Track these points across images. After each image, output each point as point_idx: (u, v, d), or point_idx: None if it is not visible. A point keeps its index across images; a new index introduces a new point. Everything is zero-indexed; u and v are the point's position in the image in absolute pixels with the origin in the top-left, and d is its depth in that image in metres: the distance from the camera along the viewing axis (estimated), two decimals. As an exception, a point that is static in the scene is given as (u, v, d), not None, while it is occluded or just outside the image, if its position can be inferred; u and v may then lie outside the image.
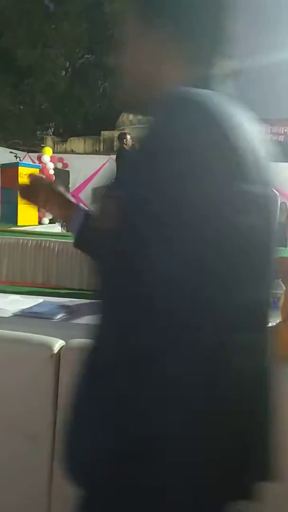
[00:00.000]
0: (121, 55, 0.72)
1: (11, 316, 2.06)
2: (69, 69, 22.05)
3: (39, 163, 9.95)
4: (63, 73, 21.65)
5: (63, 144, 16.20)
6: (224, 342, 0.59)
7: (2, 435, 1.36)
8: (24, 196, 1.11)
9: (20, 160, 11.97)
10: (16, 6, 19.16)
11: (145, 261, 0.57)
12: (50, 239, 5.97)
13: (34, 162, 11.28)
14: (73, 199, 1.10)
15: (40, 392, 1.34)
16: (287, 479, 1.23)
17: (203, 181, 0.56)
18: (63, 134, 19.25)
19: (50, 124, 23.32)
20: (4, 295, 2.43)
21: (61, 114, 21.65)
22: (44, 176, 0.80)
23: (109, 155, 12.27)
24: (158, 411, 0.57)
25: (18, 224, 8.40)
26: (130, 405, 0.59)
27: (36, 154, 11.61)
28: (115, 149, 9.43)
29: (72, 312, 2.14)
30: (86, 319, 2.07)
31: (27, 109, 21.16)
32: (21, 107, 21.41)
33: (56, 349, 1.33)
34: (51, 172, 9.79)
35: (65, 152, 14.89)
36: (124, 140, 7.09)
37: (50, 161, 9.88)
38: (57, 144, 16.02)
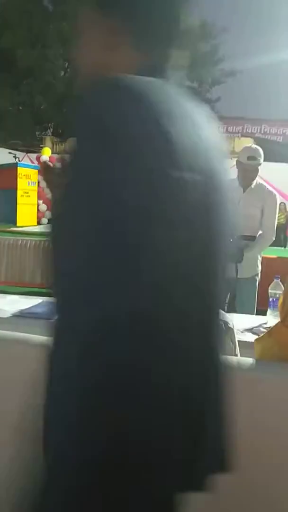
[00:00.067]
0: (77, 45, 0.74)
1: (10, 316, 2.06)
2: (68, 70, 22.05)
3: (38, 164, 9.94)
4: (62, 73, 21.65)
5: (62, 145, 16.20)
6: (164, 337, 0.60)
7: (2, 436, 1.36)
8: (44, 176, 1.16)
9: (19, 160, 11.98)
10: (15, 7, 19.17)
11: (76, 252, 0.58)
12: (49, 239, 5.96)
13: (33, 163, 11.28)
14: None
15: (39, 392, 1.33)
16: (244, 470, 1.23)
17: (124, 166, 0.56)
18: (62, 135, 19.24)
19: (49, 124, 23.32)
20: (3, 295, 2.43)
21: (60, 114, 21.65)
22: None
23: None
24: (103, 398, 0.59)
25: (17, 224, 8.41)
26: (78, 390, 0.60)
27: (35, 155, 11.62)
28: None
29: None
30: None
31: (26, 109, 21.17)
32: (20, 107, 21.42)
33: (55, 349, 1.33)
34: (50, 172, 9.76)
35: (64, 152, 14.84)
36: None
37: (49, 161, 9.87)
38: (56, 144, 16.03)
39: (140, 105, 0.58)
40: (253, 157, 2.90)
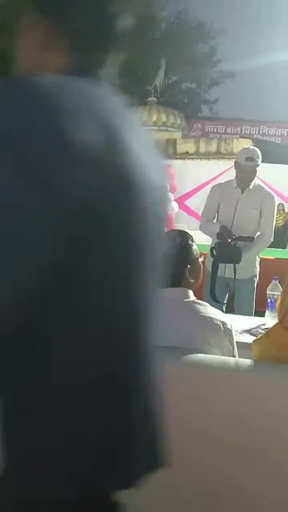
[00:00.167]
0: (15, 44, 0.76)
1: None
2: (67, 71, 22.05)
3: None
4: (61, 75, 21.63)
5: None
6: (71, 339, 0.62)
7: None
8: None
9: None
10: (13, 9, 19.18)
11: None
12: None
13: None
14: None
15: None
16: (242, 471, 1.23)
17: (13, 166, 0.56)
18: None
19: None
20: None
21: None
22: None
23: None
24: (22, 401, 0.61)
25: None
26: None
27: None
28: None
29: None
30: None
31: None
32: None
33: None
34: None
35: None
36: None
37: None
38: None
39: (33, 103, 0.59)
40: (251, 158, 2.90)
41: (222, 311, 2.22)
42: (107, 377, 0.65)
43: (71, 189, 0.58)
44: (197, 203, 9.21)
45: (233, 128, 18.47)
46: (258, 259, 3.10)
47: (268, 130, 18.21)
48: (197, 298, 1.52)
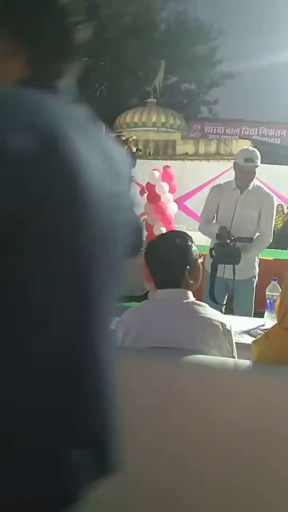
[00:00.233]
0: None
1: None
2: (66, 72, 22.06)
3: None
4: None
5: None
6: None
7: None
8: None
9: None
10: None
11: None
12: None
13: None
14: None
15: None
16: (243, 472, 1.23)
17: None
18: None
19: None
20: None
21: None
22: None
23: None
24: None
25: None
26: None
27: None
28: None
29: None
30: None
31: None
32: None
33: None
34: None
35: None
36: (120, 142, 7.11)
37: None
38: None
39: None
40: (250, 159, 2.90)
41: (221, 312, 2.22)
42: (57, 377, 0.67)
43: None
44: (197, 204, 9.20)
45: (232, 129, 18.48)
46: (257, 260, 3.10)
47: (268, 131, 18.22)
48: (196, 299, 1.53)
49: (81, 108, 0.75)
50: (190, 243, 1.56)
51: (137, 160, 7.36)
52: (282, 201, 10.99)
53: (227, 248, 2.81)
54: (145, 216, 6.00)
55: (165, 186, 5.40)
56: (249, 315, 2.83)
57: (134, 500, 1.32)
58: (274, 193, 3.38)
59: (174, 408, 1.30)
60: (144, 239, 1.11)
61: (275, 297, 2.13)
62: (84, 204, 0.68)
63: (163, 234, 1.75)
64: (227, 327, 1.47)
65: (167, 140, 14.35)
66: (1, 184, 0.59)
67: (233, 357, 1.49)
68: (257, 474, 1.25)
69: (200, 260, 1.61)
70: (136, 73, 21.68)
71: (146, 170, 5.87)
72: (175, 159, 12.73)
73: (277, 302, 1.44)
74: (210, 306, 1.53)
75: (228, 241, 2.81)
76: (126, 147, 7.14)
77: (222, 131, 18.46)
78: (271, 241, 3.09)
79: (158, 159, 12.13)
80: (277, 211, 7.17)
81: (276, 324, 1.42)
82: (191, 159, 13.19)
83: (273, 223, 3.12)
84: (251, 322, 2.26)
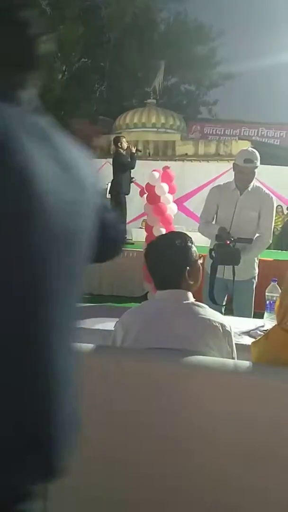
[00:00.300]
0: None
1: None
2: (66, 73, 22.07)
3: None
4: (60, 76, 21.67)
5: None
6: None
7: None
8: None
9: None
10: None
11: None
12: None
13: (30, 165, 11.26)
14: None
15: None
16: (242, 473, 1.23)
17: None
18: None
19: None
20: None
21: (58, 117, 21.63)
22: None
23: (106, 158, 12.27)
24: None
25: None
26: None
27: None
28: (111, 152, 9.42)
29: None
30: (81, 323, 2.07)
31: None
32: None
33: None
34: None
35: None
36: (119, 143, 7.10)
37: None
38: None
39: None
40: (249, 160, 2.90)
41: (221, 312, 2.22)
42: (2, 378, 0.69)
43: None
44: (196, 204, 9.21)
45: (232, 130, 18.50)
46: (257, 261, 3.10)
47: (267, 132, 18.24)
48: (196, 300, 1.53)
49: (42, 118, 0.77)
50: (190, 244, 1.56)
51: (137, 161, 7.35)
52: (281, 202, 11.00)
53: (227, 249, 2.81)
54: (145, 217, 6.00)
55: (165, 187, 5.40)
56: (249, 316, 2.83)
57: (134, 500, 1.32)
58: (274, 194, 3.38)
59: (174, 409, 1.30)
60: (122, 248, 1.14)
61: (274, 298, 2.13)
62: (36, 210, 0.70)
63: (163, 235, 1.75)
64: (227, 328, 1.47)
65: (166, 141, 14.35)
66: None
67: (233, 358, 1.49)
68: (258, 475, 1.25)
69: (200, 261, 1.61)
70: (136, 74, 21.69)
71: (146, 171, 5.87)
72: (175, 160, 12.73)
73: (277, 303, 1.44)
74: (210, 307, 1.53)
75: (228, 242, 2.81)
76: (126, 148, 7.14)
77: (222, 132, 18.49)
78: (270, 242, 3.09)
79: (158, 160, 12.13)
80: (276, 212, 7.18)
81: (275, 325, 1.42)
82: (191, 160, 13.20)
83: (273, 224, 3.12)
84: (250, 323, 2.25)
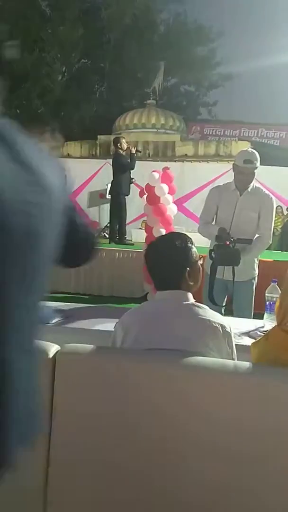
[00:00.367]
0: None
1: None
2: (66, 74, 22.07)
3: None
4: (60, 77, 21.68)
5: (59, 149, 16.15)
6: None
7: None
8: None
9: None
10: (13, 11, 19.21)
11: None
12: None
13: (30, 166, 11.26)
14: None
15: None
16: (242, 473, 1.23)
17: None
18: (60, 139, 19.21)
19: (47, 128, 23.29)
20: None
21: (57, 118, 21.65)
22: None
23: (106, 159, 12.27)
24: None
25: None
26: None
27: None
28: (111, 153, 9.42)
29: (67, 316, 2.14)
30: (81, 324, 2.07)
31: (24, 113, 21.18)
32: (18, 111, 21.42)
33: (51, 353, 1.33)
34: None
35: (62, 156, 14.82)
36: (119, 144, 7.10)
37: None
38: (53, 148, 15.98)
39: None
40: (249, 161, 2.90)
41: (221, 313, 2.22)
42: None
43: None
44: (196, 205, 9.20)
45: (231, 130, 18.51)
46: (256, 262, 3.10)
47: (267, 132, 18.25)
48: (196, 301, 1.52)
49: (4, 122, 0.80)
50: (190, 245, 1.56)
51: (137, 161, 7.35)
52: (281, 203, 11.00)
53: (227, 250, 2.81)
54: (145, 218, 6.00)
55: (165, 187, 5.40)
56: (249, 317, 2.83)
57: (133, 500, 1.32)
58: (274, 194, 3.37)
59: (174, 409, 1.30)
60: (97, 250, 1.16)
61: (274, 299, 2.13)
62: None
63: (163, 235, 1.75)
64: (226, 329, 1.46)
65: (166, 142, 14.35)
66: None
67: (233, 359, 1.48)
68: (257, 475, 1.25)
69: (199, 262, 1.61)
70: (136, 74, 21.69)
71: (146, 172, 5.87)
72: (175, 161, 12.73)
73: (277, 303, 1.44)
74: (209, 307, 1.53)
75: (228, 242, 2.80)
76: (126, 148, 7.14)
77: (222, 133, 18.49)
78: (270, 242, 3.09)
79: (158, 161, 12.13)
80: (276, 212, 7.17)
81: (275, 325, 1.42)
82: (191, 161, 13.20)
83: (273, 225, 3.12)
84: (250, 324, 2.25)
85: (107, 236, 8.01)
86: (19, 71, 19.28)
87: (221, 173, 10.20)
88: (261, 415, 1.25)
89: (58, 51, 20.75)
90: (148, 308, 1.60)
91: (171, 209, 5.54)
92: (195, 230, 3.33)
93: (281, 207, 11.07)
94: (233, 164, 3.02)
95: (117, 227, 7.40)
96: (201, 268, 1.62)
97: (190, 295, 1.51)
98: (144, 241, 5.82)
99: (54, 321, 2.05)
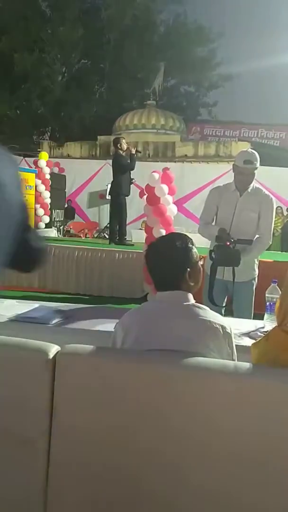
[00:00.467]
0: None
1: (7, 321, 2.06)
2: (66, 74, 22.09)
3: (35, 168, 9.95)
4: (60, 78, 21.70)
5: (59, 149, 16.15)
6: None
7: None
8: None
9: (16, 164, 11.89)
10: (13, 12, 19.22)
11: None
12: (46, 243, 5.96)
13: (30, 167, 11.28)
14: None
15: (36, 397, 1.33)
16: (241, 474, 1.22)
17: None
18: (60, 139, 19.24)
19: (47, 128, 23.33)
20: (0, 300, 2.43)
21: (57, 118, 21.66)
22: None
23: (105, 159, 12.28)
24: None
25: (14, 228, 8.34)
26: None
27: (33, 159, 11.64)
28: (111, 153, 9.42)
29: (67, 317, 2.14)
30: (81, 324, 2.07)
31: (24, 113, 21.18)
32: (18, 111, 21.43)
33: (51, 354, 1.33)
34: (47, 176, 9.78)
35: (62, 156, 14.87)
36: (119, 144, 7.10)
37: (47, 165, 9.86)
38: (53, 148, 16.00)
39: None
40: (249, 161, 2.90)
41: (221, 314, 2.22)
42: None
43: None
44: (196, 205, 9.21)
45: (231, 131, 18.53)
46: (257, 262, 3.10)
47: (267, 133, 18.26)
48: (196, 301, 1.52)
49: None
50: (190, 245, 1.56)
51: (137, 162, 7.35)
52: (281, 203, 11.01)
53: (227, 250, 2.81)
54: (145, 218, 5.99)
55: (165, 188, 5.40)
56: (249, 317, 2.83)
57: (132, 503, 1.32)
58: (274, 195, 3.38)
59: (174, 410, 1.30)
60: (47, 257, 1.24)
61: (275, 299, 2.13)
62: None
63: (163, 236, 1.75)
64: (227, 330, 1.46)
65: (166, 142, 14.37)
66: None
67: (233, 359, 1.48)
68: (258, 476, 1.25)
69: (200, 262, 1.61)
70: (136, 75, 21.70)
71: (146, 172, 5.88)
72: (175, 161, 12.75)
73: (277, 304, 1.44)
74: (210, 308, 1.53)
75: (228, 243, 2.81)
76: (126, 149, 7.14)
77: (221, 133, 18.51)
78: (270, 243, 3.09)
79: (158, 161, 12.15)
80: (276, 213, 7.18)
81: (276, 326, 1.42)
82: (191, 161, 13.22)
83: (273, 225, 3.12)
84: (250, 325, 2.25)
85: (107, 236, 8.02)
86: (19, 71, 19.29)
87: (221, 173, 10.21)
88: (261, 416, 1.25)
89: (58, 52, 20.77)
90: (148, 309, 1.60)
91: (171, 210, 5.55)
92: (195, 231, 3.33)
93: (281, 208, 11.09)
94: (233, 164, 3.02)
95: (117, 227, 7.40)
96: (201, 268, 1.62)
97: (190, 296, 1.51)
98: (144, 241, 5.83)
99: (54, 321, 2.05)
